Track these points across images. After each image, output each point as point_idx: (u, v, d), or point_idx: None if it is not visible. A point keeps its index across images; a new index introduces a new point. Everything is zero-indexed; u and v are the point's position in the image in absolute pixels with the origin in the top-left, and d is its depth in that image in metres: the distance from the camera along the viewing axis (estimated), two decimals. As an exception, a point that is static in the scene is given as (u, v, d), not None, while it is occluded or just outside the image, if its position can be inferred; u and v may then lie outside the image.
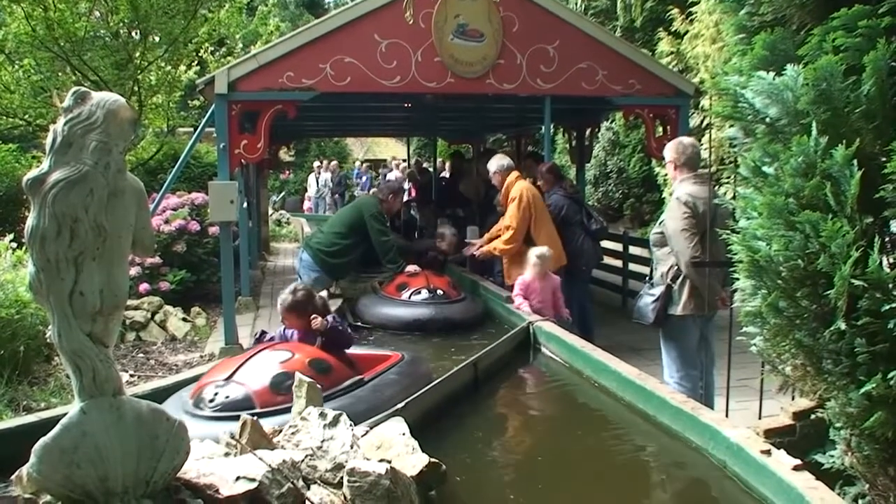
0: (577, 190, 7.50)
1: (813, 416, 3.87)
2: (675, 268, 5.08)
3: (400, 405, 3.36)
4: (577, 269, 7.21)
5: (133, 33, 11.66)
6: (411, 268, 6.81)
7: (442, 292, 6.29)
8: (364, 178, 24.01)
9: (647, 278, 5.44)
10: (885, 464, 3.40)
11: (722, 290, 5.13)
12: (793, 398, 4.26)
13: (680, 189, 5.18)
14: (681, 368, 5.19)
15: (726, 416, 4.15)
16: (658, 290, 5.13)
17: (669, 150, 5.35)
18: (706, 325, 5.27)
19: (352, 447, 2.71)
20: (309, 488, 2.55)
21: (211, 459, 2.63)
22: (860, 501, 3.62)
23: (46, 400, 5.89)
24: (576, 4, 15.47)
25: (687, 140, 5.42)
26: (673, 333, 5.20)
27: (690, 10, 12.10)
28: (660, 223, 5.25)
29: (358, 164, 27.47)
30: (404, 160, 22.48)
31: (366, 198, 7.35)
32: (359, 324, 6.18)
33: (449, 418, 3.82)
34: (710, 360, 5.37)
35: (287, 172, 26.86)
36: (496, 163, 7.25)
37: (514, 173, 7.15)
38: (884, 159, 3.04)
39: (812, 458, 3.78)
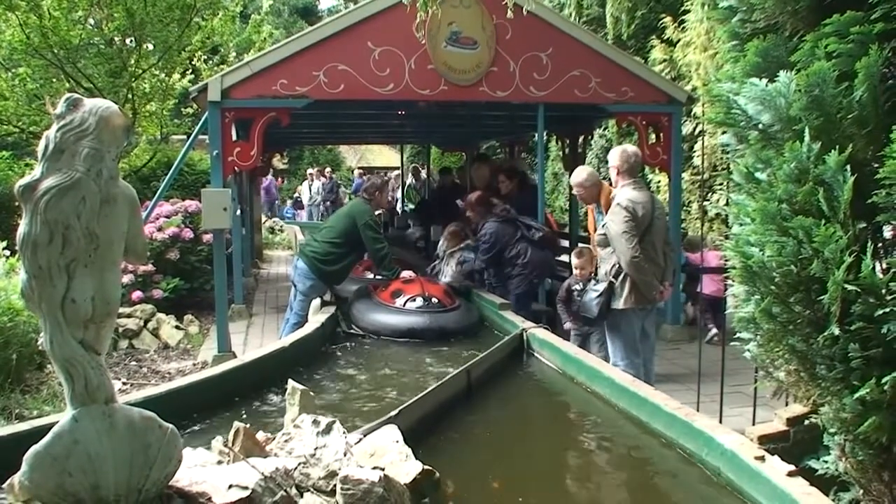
0: (508, 209, 7.37)
1: (807, 422, 3.87)
2: (617, 266, 5.55)
3: (393, 412, 3.35)
4: (526, 280, 7.16)
5: (127, 41, 11.66)
6: (406, 274, 6.79)
7: (437, 300, 6.25)
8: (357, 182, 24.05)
9: (593, 276, 5.92)
10: (880, 469, 3.40)
11: (660, 285, 5.70)
12: (786, 404, 4.26)
13: (621, 195, 5.62)
14: (624, 357, 5.66)
15: (720, 422, 4.15)
16: (601, 287, 5.61)
17: (614, 157, 5.82)
18: (646, 317, 5.78)
19: (345, 455, 2.70)
20: (302, 496, 2.54)
21: (203, 467, 2.61)
22: (854, 507, 3.62)
23: (39, 408, 5.86)
24: (570, 13, 15.48)
25: (630, 149, 5.90)
26: (616, 325, 5.69)
27: (682, 18, 12.15)
28: (603, 226, 5.69)
29: (357, 172, 27.41)
30: (397, 168, 22.51)
31: (357, 204, 7.26)
32: (352, 330, 6.16)
33: (443, 425, 3.81)
34: (650, 349, 5.96)
35: (280, 180, 26.85)
36: (591, 177, 6.82)
37: (607, 186, 6.90)
38: (876, 165, 3.06)
39: (806, 464, 3.78)
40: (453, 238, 7.82)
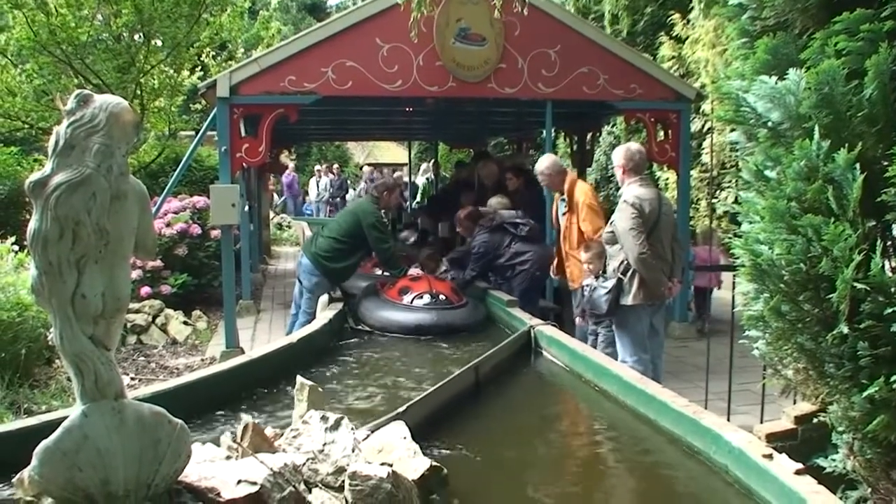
0: (493, 218, 7.40)
1: (815, 420, 3.87)
2: (625, 262, 5.58)
3: (401, 409, 3.36)
4: (528, 276, 7.16)
5: (136, 37, 11.67)
6: (414, 271, 6.78)
7: (444, 297, 6.25)
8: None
9: (601, 273, 5.91)
10: (888, 467, 3.40)
11: (668, 282, 5.74)
12: (794, 402, 4.25)
13: (628, 192, 5.67)
14: (634, 353, 5.66)
15: (728, 420, 4.15)
16: (610, 283, 5.64)
17: (618, 156, 5.85)
18: (654, 314, 5.82)
19: (353, 451, 2.71)
20: (310, 492, 2.54)
21: (212, 463, 2.62)
22: (862, 506, 3.61)
23: (47, 403, 5.88)
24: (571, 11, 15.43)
25: (634, 146, 5.94)
26: (625, 321, 5.72)
27: (690, 15, 12.11)
28: (610, 223, 5.74)
29: (367, 168, 27.42)
30: (404, 164, 22.54)
31: (363, 203, 7.19)
32: (360, 327, 6.16)
33: (450, 422, 3.82)
34: (658, 346, 5.99)
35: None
36: (554, 165, 6.94)
37: (571, 174, 7.01)
38: (886, 163, 3.05)
39: (814, 462, 3.77)
40: (430, 262, 7.83)
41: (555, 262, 7.00)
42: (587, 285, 5.98)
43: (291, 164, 24.55)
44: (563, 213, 6.77)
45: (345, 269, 6.93)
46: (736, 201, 3.81)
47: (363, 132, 17.53)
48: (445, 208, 11.17)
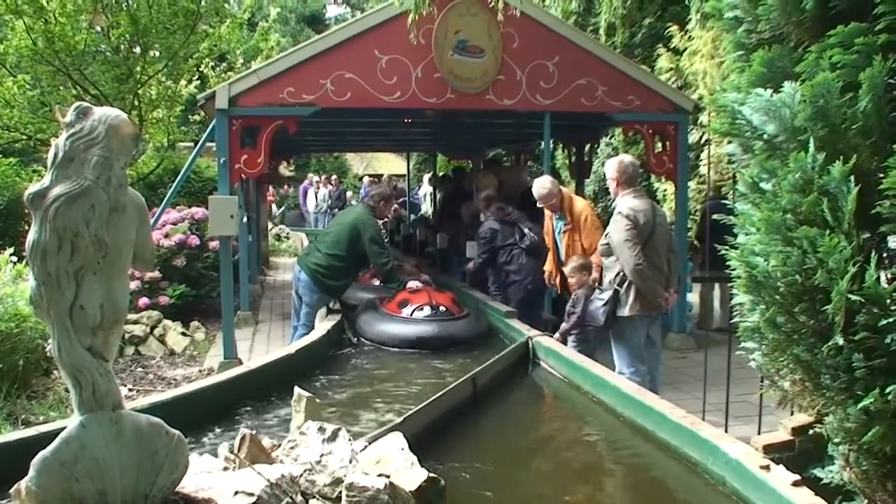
0: (508, 213, 7.48)
1: (812, 432, 3.87)
2: (622, 274, 5.60)
3: (399, 420, 3.36)
4: (521, 288, 7.29)
5: (133, 48, 11.67)
6: (413, 284, 6.77)
7: (444, 308, 6.23)
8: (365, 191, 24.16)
9: (597, 284, 5.96)
10: (884, 478, 3.40)
11: (665, 292, 5.74)
12: (791, 413, 4.26)
13: (622, 203, 5.70)
14: (630, 364, 5.68)
15: (725, 431, 4.15)
16: (606, 295, 5.66)
17: (611, 169, 5.88)
18: (651, 325, 5.82)
19: (350, 462, 2.71)
20: (307, 503, 2.55)
21: (209, 474, 2.63)
22: (859, 517, 3.61)
23: (45, 414, 5.88)
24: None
25: (626, 158, 5.95)
26: (622, 333, 5.72)
27: (688, 27, 12.13)
28: (606, 235, 5.76)
29: (366, 179, 27.43)
30: (403, 175, 22.57)
31: (361, 215, 7.00)
32: (360, 341, 6.15)
33: (448, 433, 3.82)
34: (655, 357, 5.99)
35: (287, 187, 26.90)
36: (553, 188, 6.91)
37: (566, 192, 7.10)
38: (881, 175, 3.07)
39: (811, 473, 3.77)
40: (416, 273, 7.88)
41: (557, 278, 7.01)
42: (576, 297, 5.99)
43: (310, 175, 24.73)
44: (564, 231, 6.78)
45: (345, 286, 6.95)
46: (732, 213, 3.82)
47: (362, 143, 17.55)
48: (444, 220, 11.20)
